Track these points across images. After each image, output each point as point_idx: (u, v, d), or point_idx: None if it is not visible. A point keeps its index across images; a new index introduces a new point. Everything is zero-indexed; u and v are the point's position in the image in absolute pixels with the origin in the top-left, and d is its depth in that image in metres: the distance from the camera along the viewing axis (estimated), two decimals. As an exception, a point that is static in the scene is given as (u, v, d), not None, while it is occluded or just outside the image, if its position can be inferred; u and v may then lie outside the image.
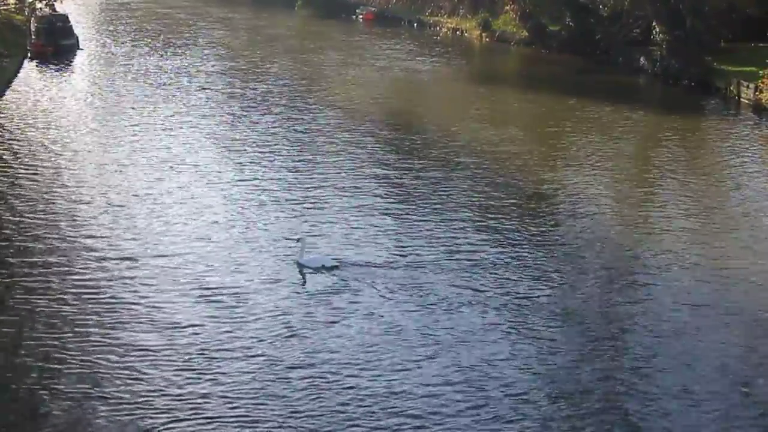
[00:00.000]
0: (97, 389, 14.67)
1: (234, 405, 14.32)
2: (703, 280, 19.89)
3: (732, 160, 30.36)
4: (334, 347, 16.31)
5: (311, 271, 19.63)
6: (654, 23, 46.26)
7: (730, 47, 45.69)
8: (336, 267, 19.62)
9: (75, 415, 14.04)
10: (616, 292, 19.33)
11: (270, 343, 16.39)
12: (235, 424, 13.86)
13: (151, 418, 13.87)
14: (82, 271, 19.58)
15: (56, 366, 15.44)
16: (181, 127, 33.40)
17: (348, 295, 18.53)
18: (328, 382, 15.07)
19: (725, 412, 14.69)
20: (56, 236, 21.62)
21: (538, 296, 18.83)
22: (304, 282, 19.34)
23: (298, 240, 20.20)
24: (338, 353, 16.10)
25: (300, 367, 15.55)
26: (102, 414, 14.01)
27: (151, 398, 14.42)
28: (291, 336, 16.66)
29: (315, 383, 15.03)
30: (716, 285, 19.64)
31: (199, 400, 14.40)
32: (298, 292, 18.80)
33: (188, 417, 13.96)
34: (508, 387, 15.06)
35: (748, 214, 24.64)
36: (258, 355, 15.90)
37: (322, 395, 14.68)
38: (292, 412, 14.15)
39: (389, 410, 14.28)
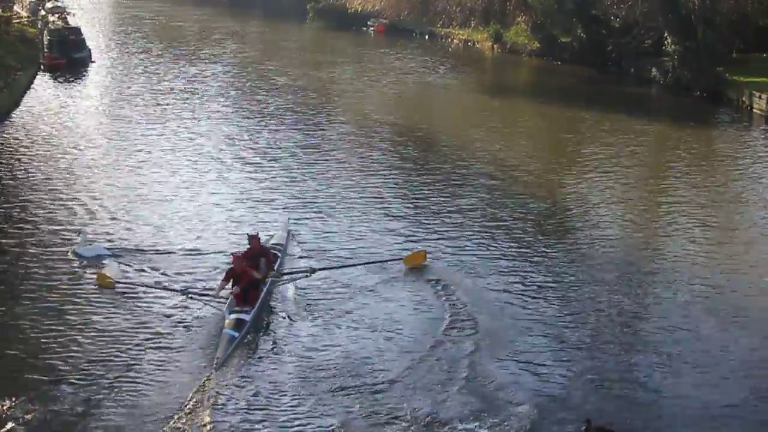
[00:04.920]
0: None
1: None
2: (719, 290, 19.83)
3: (745, 171, 30.24)
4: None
5: (88, 260, 20.58)
6: (665, 34, 46.17)
7: (742, 58, 45.57)
8: (111, 255, 20.73)
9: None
10: (631, 302, 19.21)
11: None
12: None
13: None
14: (88, 284, 19.66)
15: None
16: (193, 140, 33.51)
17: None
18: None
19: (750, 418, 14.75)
20: (66, 249, 21.67)
21: (547, 304, 18.84)
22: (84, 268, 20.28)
23: (79, 233, 21.47)
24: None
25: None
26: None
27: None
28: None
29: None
30: (733, 294, 19.59)
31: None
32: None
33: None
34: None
35: (762, 224, 24.53)
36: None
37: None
38: None
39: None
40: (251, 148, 32.35)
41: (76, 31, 53.18)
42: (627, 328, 18.03)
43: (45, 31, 53.94)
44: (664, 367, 16.30)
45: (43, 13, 63.73)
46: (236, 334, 16.50)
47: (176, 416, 14.16)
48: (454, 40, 63.94)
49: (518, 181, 28.60)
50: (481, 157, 31.63)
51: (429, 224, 24.02)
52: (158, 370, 15.79)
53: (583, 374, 16.03)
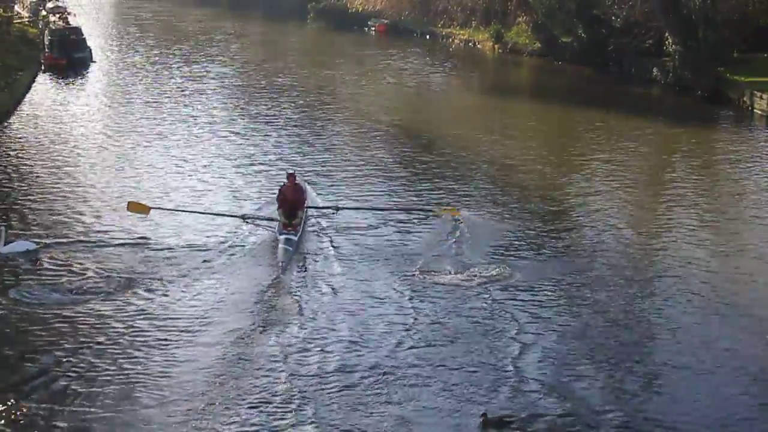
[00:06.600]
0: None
1: None
2: (719, 289, 19.80)
3: (746, 171, 30.25)
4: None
5: (15, 255, 20.93)
6: (666, 34, 46.19)
7: (743, 58, 45.54)
8: (38, 250, 21.34)
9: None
10: (630, 302, 19.19)
11: None
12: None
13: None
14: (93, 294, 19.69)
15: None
16: (194, 139, 33.56)
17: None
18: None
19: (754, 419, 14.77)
20: (70, 253, 21.67)
21: (550, 305, 18.85)
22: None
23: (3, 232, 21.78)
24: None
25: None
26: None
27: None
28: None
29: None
30: (734, 293, 19.59)
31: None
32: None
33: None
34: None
35: (763, 224, 24.54)
36: None
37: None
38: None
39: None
40: (251, 148, 32.39)
41: (77, 31, 53.18)
42: (626, 329, 18.00)
43: (46, 31, 53.93)
44: (664, 369, 16.27)
45: (43, 13, 63.72)
46: (290, 248, 21.17)
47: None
48: (455, 40, 63.96)
49: (518, 181, 28.61)
50: (482, 157, 31.63)
51: (428, 222, 24.05)
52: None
53: (582, 374, 16.03)
